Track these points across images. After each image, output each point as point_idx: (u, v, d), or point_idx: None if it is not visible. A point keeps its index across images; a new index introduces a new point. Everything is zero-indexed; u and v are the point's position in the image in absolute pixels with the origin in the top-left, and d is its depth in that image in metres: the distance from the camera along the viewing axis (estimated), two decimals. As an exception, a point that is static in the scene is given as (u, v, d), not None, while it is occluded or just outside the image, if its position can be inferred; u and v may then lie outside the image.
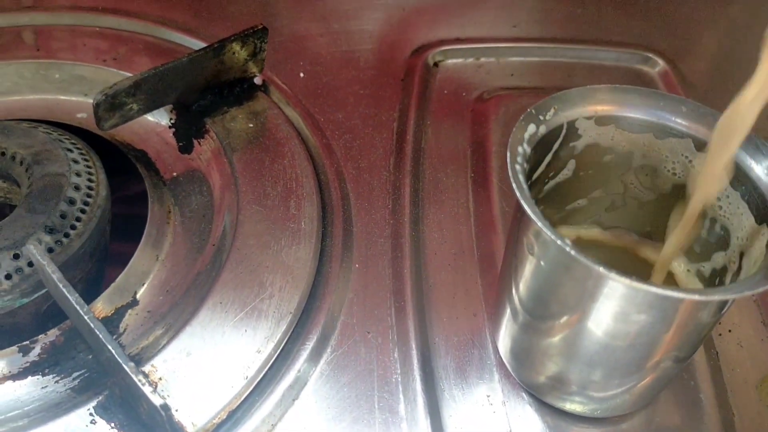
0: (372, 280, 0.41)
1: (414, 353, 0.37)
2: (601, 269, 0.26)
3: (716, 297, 0.26)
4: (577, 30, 0.57)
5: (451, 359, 0.38)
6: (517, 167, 0.30)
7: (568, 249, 0.27)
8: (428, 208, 0.45)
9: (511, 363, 0.36)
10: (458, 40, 0.56)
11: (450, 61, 0.55)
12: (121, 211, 0.44)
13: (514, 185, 0.29)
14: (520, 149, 0.31)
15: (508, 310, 0.35)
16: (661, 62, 0.55)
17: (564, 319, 0.31)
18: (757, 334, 0.40)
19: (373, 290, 0.40)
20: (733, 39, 0.58)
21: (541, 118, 0.32)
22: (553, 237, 0.27)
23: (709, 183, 0.31)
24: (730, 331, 0.40)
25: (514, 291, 0.33)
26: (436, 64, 0.54)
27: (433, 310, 0.40)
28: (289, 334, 0.37)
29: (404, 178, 0.46)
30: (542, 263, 0.30)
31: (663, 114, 0.33)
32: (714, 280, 0.34)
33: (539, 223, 0.28)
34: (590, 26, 0.58)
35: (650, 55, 0.55)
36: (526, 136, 0.32)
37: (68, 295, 0.33)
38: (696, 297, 0.26)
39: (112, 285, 0.40)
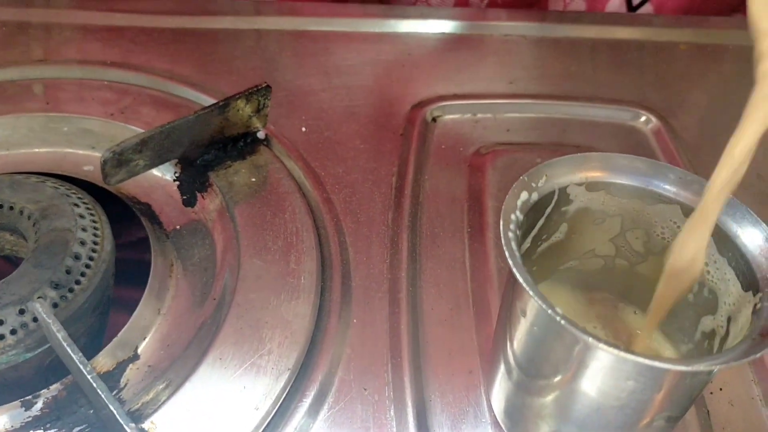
0: (369, 335, 0.41)
1: (409, 411, 0.38)
2: (590, 339, 0.27)
3: (701, 367, 0.27)
4: (572, 87, 0.59)
5: (447, 417, 0.38)
6: (510, 235, 0.31)
7: (558, 318, 0.28)
8: (425, 262, 0.46)
9: (504, 422, 0.37)
10: (456, 96, 0.57)
11: (448, 117, 0.56)
12: (124, 256, 0.45)
13: (507, 253, 0.30)
14: (513, 216, 0.32)
15: (502, 370, 0.35)
16: (653, 119, 0.56)
17: (556, 381, 0.32)
18: (747, 392, 0.40)
19: (370, 346, 0.41)
20: (725, 95, 0.60)
21: (534, 185, 0.34)
22: (543, 306, 0.28)
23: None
24: (721, 389, 0.40)
25: (507, 352, 0.34)
26: (434, 120, 0.56)
27: (429, 366, 0.40)
28: (287, 390, 0.38)
29: (402, 233, 0.47)
30: (535, 328, 0.31)
31: (651, 180, 0.35)
32: (703, 343, 0.35)
33: (530, 292, 0.28)
34: (584, 83, 0.59)
35: (643, 111, 0.56)
36: (519, 203, 0.33)
37: (72, 354, 0.34)
38: (681, 368, 0.27)
39: (114, 339, 0.40)
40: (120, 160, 0.44)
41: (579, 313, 0.39)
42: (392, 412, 0.38)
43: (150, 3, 0.65)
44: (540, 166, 0.34)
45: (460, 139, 0.54)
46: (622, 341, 0.38)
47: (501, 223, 0.31)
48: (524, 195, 0.33)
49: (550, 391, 0.33)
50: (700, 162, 0.53)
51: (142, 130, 0.47)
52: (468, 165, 0.52)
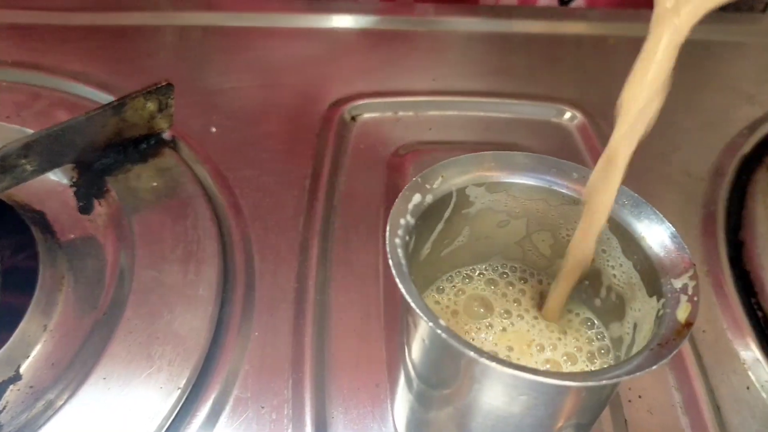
0: (271, 349, 0.39)
1: (308, 430, 0.35)
2: (472, 353, 0.25)
3: (591, 383, 0.24)
4: (496, 83, 0.57)
5: (348, 435, 0.36)
6: (397, 241, 0.29)
7: (439, 331, 0.25)
8: (336, 269, 0.43)
9: (407, 439, 0.34)
10: (377, 94, 0.55)
11: (367, 115, 0.54)
12: (15, 267, 0.42)
13: (390, 261, 0.28)
14: (402, 221, 0.30)
15: (403, 383, 0.33)
16: (578, 115, 0.54)
17: (451, 395, 0.30)
18: (668, 399, 0.38)
19: (270, 361, 0.38)
20: (654, 91, 0.58)
21: (428, 186, 0.31)
22: (424, 318, 0.26)
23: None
24: (640, 397, 0.38)
25: (407, 364, 0.32)
26: (353, 118, 0.53)
27: (334, 381, 0.38)
28: (175, 412, 0.35)
29: (313, 239, 0.45)
30: (424, 340, 0.29)
31: (554, 180, 0.32)
32: (610, 351, 0.33)
33: (412, 303, 0.26)
34: (511, 79, 0.57)
35: (568, 108, 0.55)
36: (410, 206, 0.30)
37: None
38: (568, 383, 0.24)
39: (-7, 359, 0.37)
40: (3, 165, 0.41)
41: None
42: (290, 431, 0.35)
43: (57, 0, 0.62)
44: (435, 167, 0.32)
45: (380, 138, 0.52)
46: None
47: (388, 228, 0.29)
48: (417, 198, 0.31)
49: (446, 405, 0.30)
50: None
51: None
52: (386, 166, 0.50)
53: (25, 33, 0.59)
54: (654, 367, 0.25)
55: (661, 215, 0.31)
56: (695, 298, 0.27)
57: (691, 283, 0.28)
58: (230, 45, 0.59)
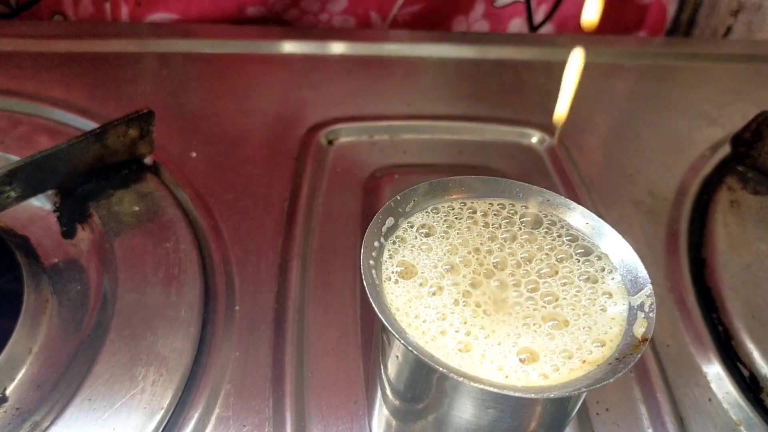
0: (252, 369, 0.40)
1: (288, 446, 0.37)
2: (441, 369, 0.26)
3: (552, 395, 0.26)
4: (468, 108, 0.59)
5: (327, 451, 0.37)
6: (371, 263, 0.30)
7: (410, 349, 0.27)
8: (314, 290, 0.45)
9: (384, 453, 0.36)
10: (353, 118, 0.56)
11: (344, 139, 0.55)
12: (5, 288, 0.43)
13: (365, 282, 0.29)
14: (376, 243, 0.31)
15: (379, 399, 0.34)
16: (548, 138, 0.56)
17: (425, 409, 0.31)
18: (633, 413, 0.40)
19: (251, 380, 0.39)
20: (619, 114, 0.60)
21: (401, 210, 0.33)
22: (396, 336, 0.27)
23: None
24: (607, 410, 0.40)
25: (383, 380, 0.33)
26: (330, 142, 0.55)
27: (313, 398, 0.39)
28: (159, 431, 0.36)
29: (292, 261, 0.46)
30: (397, 356, 0.30)
31: (519, 204, 0.34)
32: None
33: (384, 321, 0.28)
34: (481, 104, 0.59)
35: (537, 131, 0.57)
36: (384, 229, 0.32)
37: None
38: (530, 396, 0.26)
39: (-22, 382, 0.38)
40: (-13, 192, 0.42)
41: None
42: (271, 449, 0.37)
43: (37, 27, 0.63)
44: (407, 191, 0.33)
45: (356, 161, 0.54)
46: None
47: (362, 251, 0.31)
48: (390, 221, 0.32)
49: (420, 418, 0.32)
50: (592, 180, 0.53)
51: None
52: (362, 188, 0.51)
53: (5, 60, 0.60)
54: (611, 380, 0.27)
55: (621, 236, 0.32)
56: (651, 315, 0.29)
57: (648, 301, 0.30)
58: (209, 71, 0.60)
